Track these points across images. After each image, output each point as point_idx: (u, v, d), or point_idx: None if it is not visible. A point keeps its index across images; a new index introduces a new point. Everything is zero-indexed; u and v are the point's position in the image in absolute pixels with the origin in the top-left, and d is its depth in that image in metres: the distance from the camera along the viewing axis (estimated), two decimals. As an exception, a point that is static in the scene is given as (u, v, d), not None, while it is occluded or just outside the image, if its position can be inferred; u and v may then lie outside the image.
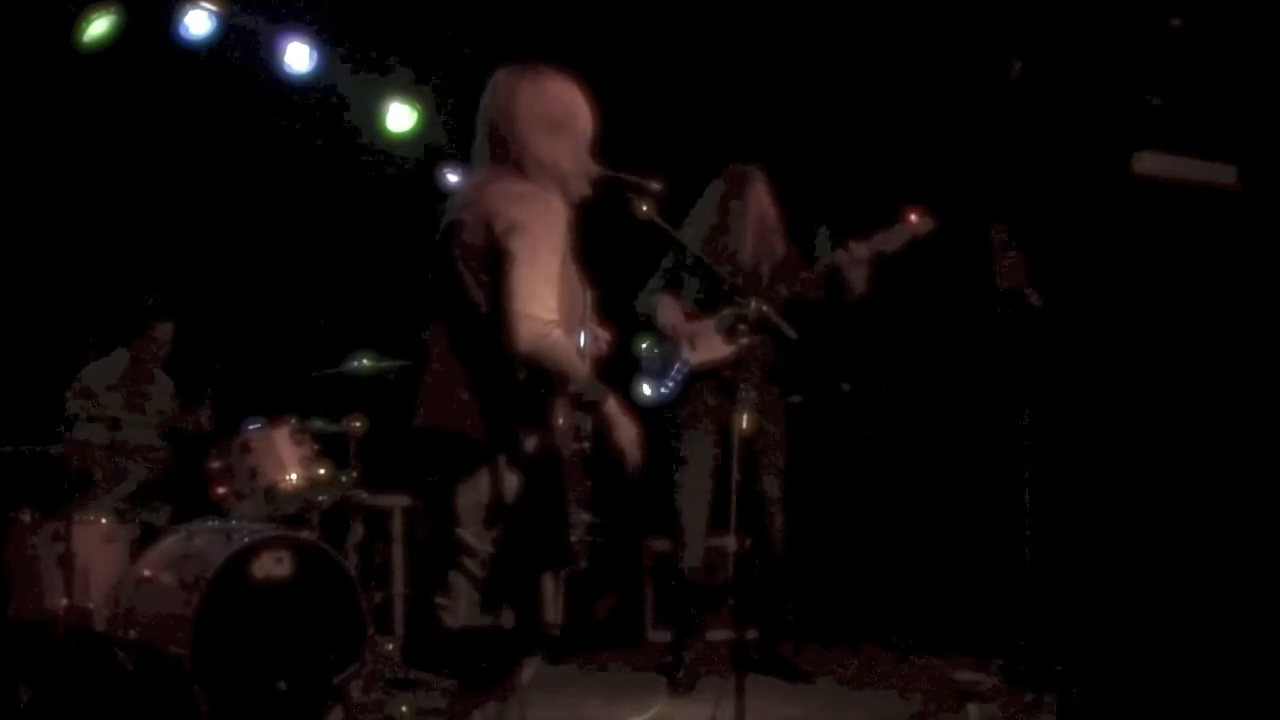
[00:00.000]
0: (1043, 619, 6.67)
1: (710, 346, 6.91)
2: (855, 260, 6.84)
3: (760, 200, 7.11)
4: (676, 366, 6.99)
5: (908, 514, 8.37)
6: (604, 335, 4.90)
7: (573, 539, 4.56)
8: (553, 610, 4.60)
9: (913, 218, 6.84)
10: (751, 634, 6.90)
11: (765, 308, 5.63)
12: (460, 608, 4.53)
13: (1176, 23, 6.82)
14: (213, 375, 7.98)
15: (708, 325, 6.94)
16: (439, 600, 4.57)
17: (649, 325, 7.14)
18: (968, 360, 7.85)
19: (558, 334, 4.39)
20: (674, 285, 7.10)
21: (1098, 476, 7.22)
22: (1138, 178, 6.55)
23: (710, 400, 6.97)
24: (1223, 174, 6.54)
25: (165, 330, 7.72)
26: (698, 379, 6.95)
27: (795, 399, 7.65)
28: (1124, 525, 7.05)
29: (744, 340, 5.55)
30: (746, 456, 6.83)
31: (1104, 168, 6.84)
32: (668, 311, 7.06)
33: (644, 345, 7.15)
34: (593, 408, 4.49)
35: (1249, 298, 6.65)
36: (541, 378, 4.44)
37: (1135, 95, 6.90)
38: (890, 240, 6.86)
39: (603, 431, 4.53)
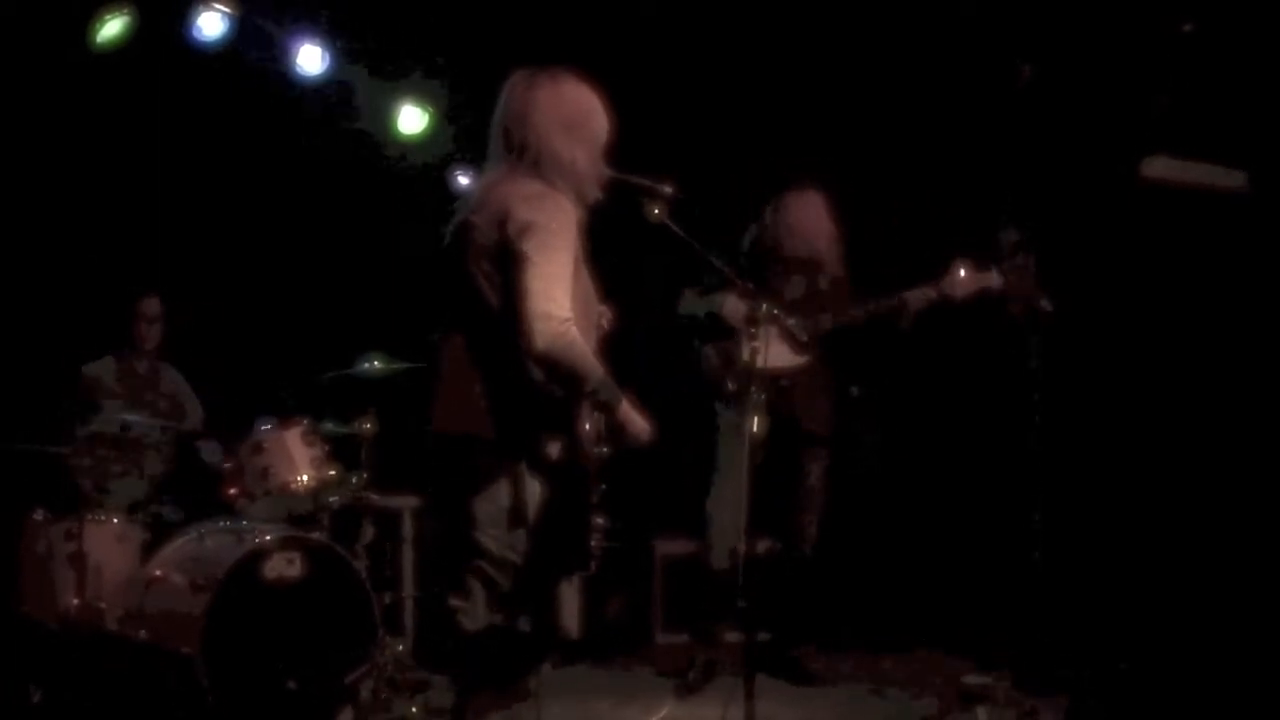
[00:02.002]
0: (1053, 623, 6.67)
1: (775, 354, 6.75)
2: (914, 307, 6.90)
3: (801, 211, 7.14)
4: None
5: (917, 518, 8.37)
6: (606, 312, 4.92)
7: (592, 543, 4.59)
8: (569, 615, 4.62)
9: (993, 273, 6.85)
10: (762, 636, 6.92)
11: (776, 310, 5.65)
12: (478, 610, 4.56)
13: (1188, 28, 6.83)
14: (223, 376, 8.03)
15: (773, 332, 6.70)
16: (455, 603, 4.60)
17: (699, 322, 7.13)
18: (978, 364, 7.85)
19: (574, 333, 4.42)
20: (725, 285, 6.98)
21: (1108, 480, 7.23)
22: (1147, 182, 6.56)
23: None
24: (1232, 179, 6.55)
25: (151, 305, 7.69)
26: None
27: (854, 391, 7.68)
28: (1134, 529, 7.06)
29: (756, 342, 5.54)
30: (788, 451, 6.87)
31: (1113, 172, 6.85)
32: (734, 308, 6.92)
33: (706, 348, 7.15)
34: (607, 409, 4.51)
35: (1258, 302, 6.66)
36: (560, 379, 4.46)
37: (1145, 100, 6.91)
38: (959, 286, 6.89)
39: (616, 430, 4.56)
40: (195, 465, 7.52)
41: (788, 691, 6.96)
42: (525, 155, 4.62)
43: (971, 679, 6.83)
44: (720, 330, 7.03)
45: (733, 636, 7.13)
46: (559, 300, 4.41)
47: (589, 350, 4.52)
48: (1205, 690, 6.12)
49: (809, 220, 7.16)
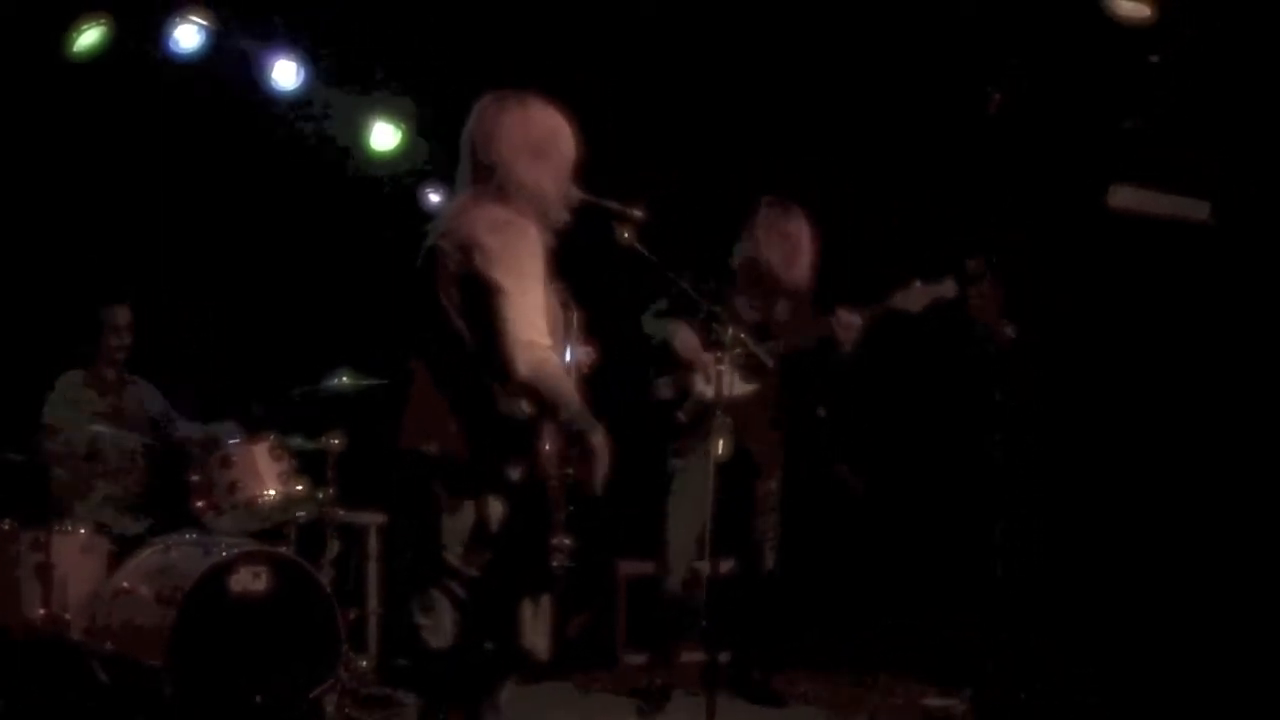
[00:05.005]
0: (1012, 646, 6.72)
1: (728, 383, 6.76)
2: (848, 324, 6.90)
3: (791, 224, 7.15)
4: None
5: (879, 541, 8.42)
6: (590, 351, 4.97)
7: (555, 564, 4.63)
8: (532, 634, 4.66)
9: (947, 282, 6.86)
10: (724, 656, 6.96)
11: (742, 334, 5.68)
12: (443, 628, 4.60)
13: (1154, 59, 6.90)
14: (192, 389, 8.03)
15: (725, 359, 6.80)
16: (421, 620, 4.63)
17: (655, 348, 7.14)
18: (941, 388, 7.90)
19: (555, 359, 4.47)
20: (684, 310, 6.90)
21: (1071, 503, 7.29)
22: (1113, 211, 6.63)
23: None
24: (1196, 209, 6.62)
25: (122, 314, 7.68)
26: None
27: (821, 412, 7.70)
28: (1094, 553, 7.12)
29: (720, 366, 5.58)
30: (742, 478, 6.89)
31: (1079, 201, 6.91)
32: (686, 340, 6.97)
33: (660, 379, 7.15)
34: (580, 438, 4.53)
35: (1220, 330, 6.73)
36: (533, 403, 4.50)
37: (1112, 130, 6.98)
38: (913, 299, 6.90)
39: (583, 458, 4.57)
40: (164, 478, 7.53)
41: (749, 712, 6.99)
42: (491, 178, 4.66)
43: (932, 701, 6.88)
44: (671, 358, 7.03)
45: (693, 656, 7.15)
46: (539, 327, 4.47)
47: (567, 377, 4.58)
48: (1170, 708, 6.20)
49: (802, 239, 7.14)
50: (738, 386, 6.92)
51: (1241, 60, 6.73)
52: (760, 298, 7.05)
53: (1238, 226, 6.74)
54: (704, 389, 6.67)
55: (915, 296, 6.90)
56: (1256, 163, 6.72)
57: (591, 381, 4.92)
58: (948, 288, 6.87)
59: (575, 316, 4.87)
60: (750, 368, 6.90)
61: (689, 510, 6.82)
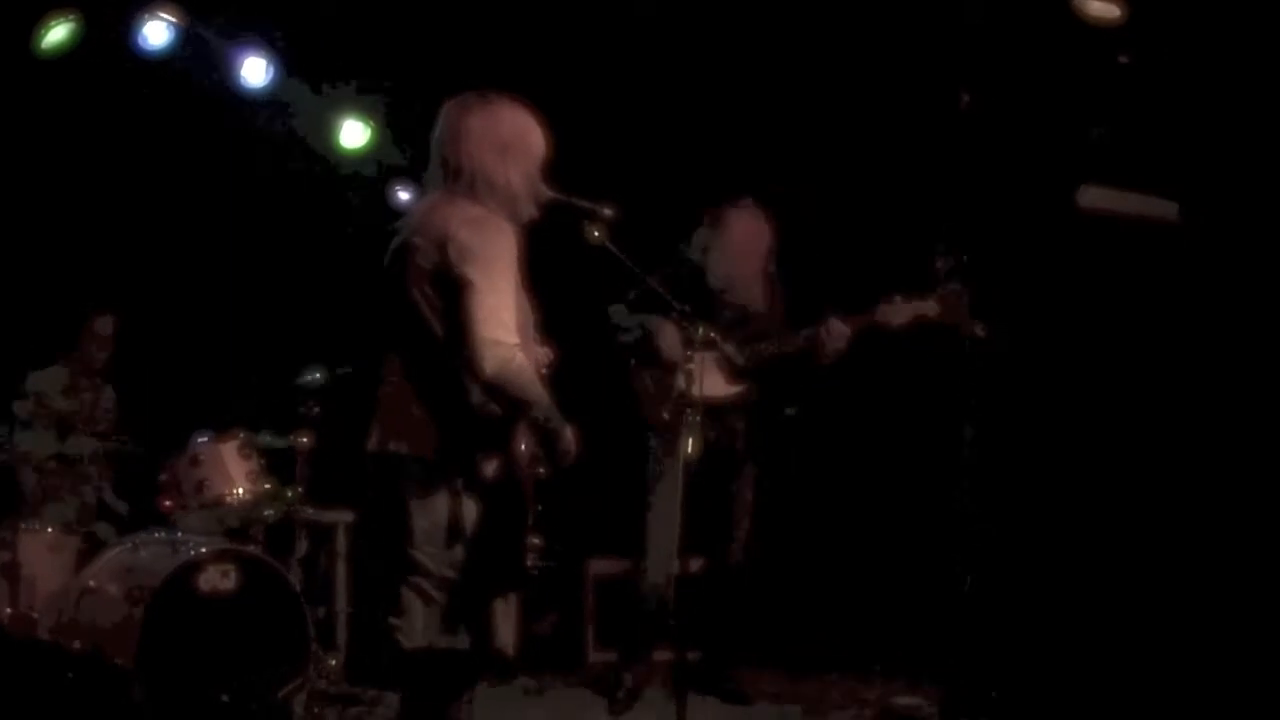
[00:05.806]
0: (981, 644, 6.74)
1: (711, 384, 6.63)
2: (839, 335, 6.90)
3: (741, 232, 7.14)
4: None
5: (850, 537, 8.42)
6: (548, 352, 4.96)
7: (527, 562, 4.63)
8: (505, 633, 4.66)
9: (930, 301, 6.87)
10: (693, 654, 6.96)
11: (713, 333, 5.69)
12: (415, 628, 4.59)
13: (1124, 60, 6.92)
14: (160, 389, 8.00)
15: (709, 360, 6.67)
16: (393, 620, 4.62)
17: (632, 341, 7.13)
18: (910, 389, 7.92)
19: (522, 358, 4.47)
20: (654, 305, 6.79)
21: (1037, 504, 7.31)
22: (1082, 211, 6.63)
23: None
24: (1165, 209, 6.63)
25: (106, 324, 7.68)
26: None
27: (790, 411, 7.71)
28: (1063, 553, 7.14)
29: (690, 365, 5.58)
30: (718, 476, 6.89)
31: (1049, 201, 6.92)
32: (670, 340, 6.95)
33: (646, 375, 7.14)
34: (551, 436, 4.55)
35: (1188, 331, 6.74)
36: (502, 402, 4.50)
37: (1082, 130, 6.99)
38: (896, 314, 6.91)
39: (552, 452, 4.60)
40: (131, 484, 7.50)
41: (719, 710, 6.99)
42: (460, 178, 4.67)
43: (901, 699, 6.89)
44: (654, 355, 7.03)
45: (663, 655, 7.15)
46: (506, 325, 4.47)
47: (535, 375, 4.58)
48: (1140, 705, 6.21)
49: (747, 242, 7.14)
50: (721, 388, 6.93)
51: (1213, 62, 6.75)
52: (709, 300, 7.06)
53: (1206, 227, 6.76)
54: (685, 385, 6.66)
55: (899, 311, 6.91)
56: (1226, 163, 6.74)
57: (559, 379, 4.91)
58: (929, 306, 6.88)
59: (531, 319, 4.86)
60: (734, 369, 6.92)
61: (672, 510, 6.80)
